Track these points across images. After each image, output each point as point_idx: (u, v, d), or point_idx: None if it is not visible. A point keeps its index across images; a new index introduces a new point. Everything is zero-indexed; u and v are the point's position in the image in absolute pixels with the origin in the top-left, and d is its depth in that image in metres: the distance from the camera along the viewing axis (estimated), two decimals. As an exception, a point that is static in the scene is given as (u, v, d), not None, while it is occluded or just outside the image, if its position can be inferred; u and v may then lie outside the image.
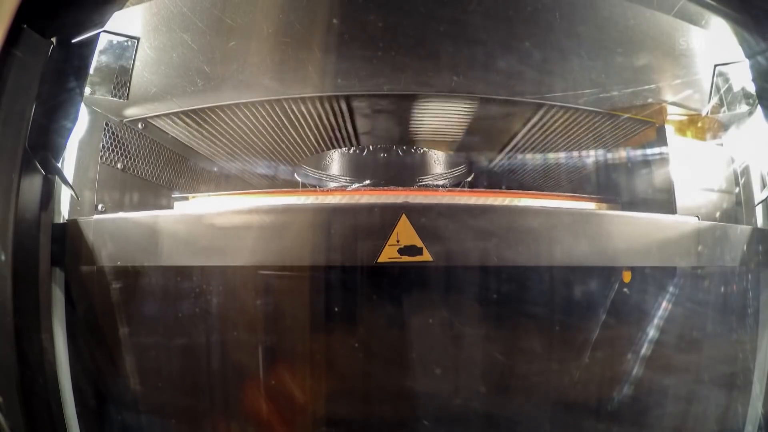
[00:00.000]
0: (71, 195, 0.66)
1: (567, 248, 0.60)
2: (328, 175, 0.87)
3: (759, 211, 0.70)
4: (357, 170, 0.85)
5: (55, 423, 0.59)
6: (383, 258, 0.56)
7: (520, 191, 0.71)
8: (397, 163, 0.85)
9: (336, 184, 0.85)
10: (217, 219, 0.61)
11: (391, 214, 0.56)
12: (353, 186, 0.82)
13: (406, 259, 0.56)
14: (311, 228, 0.59)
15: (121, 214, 0.68)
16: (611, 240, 0.61)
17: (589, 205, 0.76)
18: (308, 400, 0.63)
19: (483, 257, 0.58)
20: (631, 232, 0.62)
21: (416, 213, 0.57)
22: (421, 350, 0.61)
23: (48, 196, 0.60)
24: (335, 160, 0.87)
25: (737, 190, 0.73)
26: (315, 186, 0.90)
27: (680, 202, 0.71)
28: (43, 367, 0.58)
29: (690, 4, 0.68)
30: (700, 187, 0.73)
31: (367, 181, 0.82)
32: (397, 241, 0.56)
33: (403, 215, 0.56)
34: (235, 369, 0.64)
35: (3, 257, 0.51)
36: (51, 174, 0.60)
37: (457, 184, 0.92)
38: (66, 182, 0.64)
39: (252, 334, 0.64)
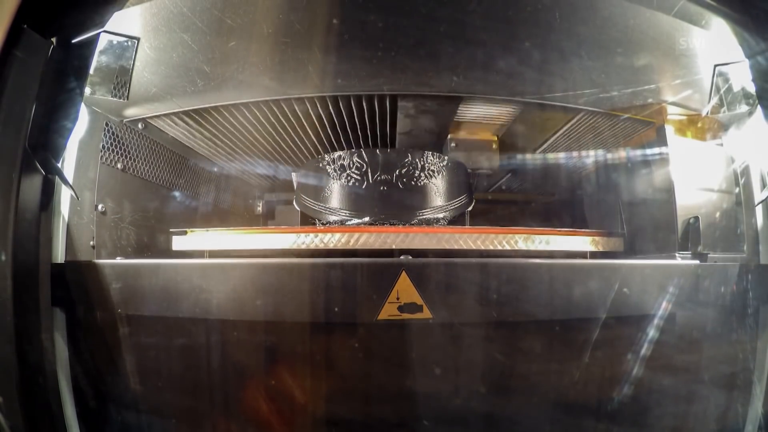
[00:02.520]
0: (71, 195, 0.66)
1: (566, 301, 0.60)
2: (326, 207, 0.87)
3: (759, 211, 0.70)
4: (356, 202, 0.85)
5: (55, 423, 0.59)
6: (383, 315, 0.56)
7: (521, 228, 0.71)
8: (397, 195, 0.85)
9: (335, 218, 0.85)
10: (213, 272, 0.60)
11: (390, 272, 0.57)
12: (352, 222, 0.83)
13: (406, 316, 0.56)
14: (311, 284, 0.59)
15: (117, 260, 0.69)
16: (614, 290, 0.61)
17: (591, 240, 0.76)
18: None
19: (483, 313, 0.58)
20: (635, 281, 0.62)
21: (416, 270, 0.57)
22: (424, 410, 0.61)
23: (48, 197, 0.60)
24: (334, 191, 0.87)
25: (737, 190, 0.73)
26: (313, 219, 0.90)
27: (680, 202, 0.72)
28: (43, 367, 0.58)
29: (690, 4, 0.68)
30: (700, 187, 0.73)
31: (367, 218, 0.83)
32: (397, 299, 0.56)
33: (403, 272, 0.56)
34: (233, 379, 0.65)
35: (3, 257, 0.51)
36: (51, 174, 0.60)
37: (455, 217, 0.91)
38: (66, 182, 0.63)
39: (249, 377, 0.64)
